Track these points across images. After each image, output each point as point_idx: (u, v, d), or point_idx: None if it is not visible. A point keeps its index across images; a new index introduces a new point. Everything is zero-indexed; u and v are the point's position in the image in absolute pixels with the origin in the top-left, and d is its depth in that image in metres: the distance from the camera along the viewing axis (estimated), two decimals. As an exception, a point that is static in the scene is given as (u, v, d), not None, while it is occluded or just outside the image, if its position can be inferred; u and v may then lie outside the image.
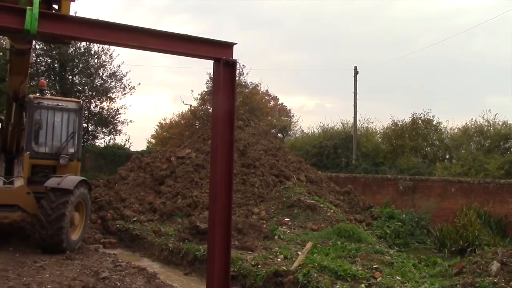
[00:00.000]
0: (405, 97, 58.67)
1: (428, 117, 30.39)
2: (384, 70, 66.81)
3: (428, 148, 30.79)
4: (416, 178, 22.11)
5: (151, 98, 70.57)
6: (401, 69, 60.11)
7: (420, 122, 30.46)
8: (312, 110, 66.38)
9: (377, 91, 59.05)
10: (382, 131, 33.04)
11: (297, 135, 40.58)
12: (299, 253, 10.41)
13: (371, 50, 68.28)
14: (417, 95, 56.01)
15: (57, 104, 12.26)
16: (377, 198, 21.84)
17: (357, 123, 32.20)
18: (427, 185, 21.32)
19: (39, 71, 30.70)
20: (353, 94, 32.72)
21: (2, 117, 12.34)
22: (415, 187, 21.52)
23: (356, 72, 33.00)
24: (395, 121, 31.34)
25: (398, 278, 8.63)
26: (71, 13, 5.42)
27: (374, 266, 9.36)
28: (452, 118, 47.61)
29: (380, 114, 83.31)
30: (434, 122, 30.29)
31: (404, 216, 18.52)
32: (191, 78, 73.74)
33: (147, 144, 42.21)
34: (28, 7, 3.78)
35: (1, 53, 27.61)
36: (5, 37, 20.21)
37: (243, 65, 36.94)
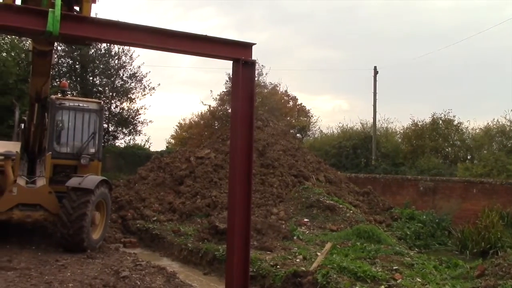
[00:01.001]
0: (427, 96, 57.89)
1: (448, 117, 30.08)
2: (409, 68, 65.57)
3: (449, 149, 30.46)
4: (436, 179, 21.86)
5: (171, 99, 71.00)
6: (423, 67, 59.16)
7: (440, 122, 30.14)
8: (345, 110, 65.55)
9: (405, 90, 58.34)
10: (402, 131, 32.78)
11: (316, 135, 40.47)
12: (318, 253, 10.36)
13: (401, 47, 66.98)
14: (438, 95, 55.42)
15: (78, 105, 12.41)
16: (397, 199, 21.64)
17: (376, 123, 31.98)
18: (448, 186, 21.06)
19: (61, 72, 31.10)
20: (375, 94, 32.54)
21: (25, 118, 12.53)
22: (435, 188, 21.27)
23: (375, 72, 32.77)
24: (415, 121, 31.08)
25: (419, 280, 8.53)
26: (92, 14, 5.49)
27: (394, 268, 9.27)
28: (473, 118, 46.93)
29: (407, 113, 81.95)
30: (455, 122, 29.97)
31: (424, 217, 18.32)
32: (211, 78, 73.94)
33: (167, 144, 42.47)
34: (50, 9, 3.83)
35: (24, 55, 28.06)
36: (28, 39, 20.52)
37: (262, 65, 36.96)
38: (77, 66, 31.71)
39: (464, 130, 29.89)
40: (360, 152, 30.92)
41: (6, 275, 7.93)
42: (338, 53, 73.62)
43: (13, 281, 7.53)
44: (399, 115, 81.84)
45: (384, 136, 32.53)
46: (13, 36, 26.86)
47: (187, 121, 42.05)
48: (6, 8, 4.03)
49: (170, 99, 71.04)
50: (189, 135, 39.27)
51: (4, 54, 30.19)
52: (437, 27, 64.80)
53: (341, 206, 15.96)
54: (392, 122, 34.66)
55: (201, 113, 39.34)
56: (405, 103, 57.49)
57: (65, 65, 31.60)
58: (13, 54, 29.88)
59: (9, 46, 30.23)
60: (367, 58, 70.58)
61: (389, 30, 70.02)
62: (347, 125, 35.15)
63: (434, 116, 30.25)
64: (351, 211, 15.84)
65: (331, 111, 63.18)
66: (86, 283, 7.81)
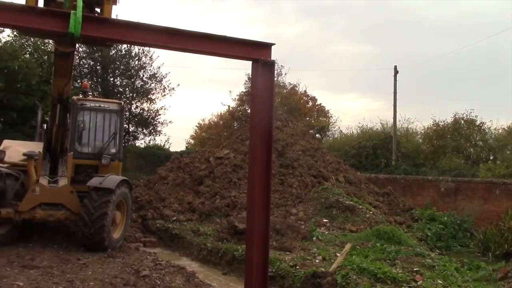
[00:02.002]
0: (448, 95, 56.94)
1: (470, 117, 29.68)
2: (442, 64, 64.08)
3: (471, 149, 30.03)
4: (458, 180, 21.55)
5: (190, 99, 71.28)
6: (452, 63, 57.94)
7: (462, 122, 29.75)
8: (376, 109, 64.59)
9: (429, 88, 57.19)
10: (422, 131, 32.45)
11: (335, 136, 40.30)
12: (338, 254, 10.32)
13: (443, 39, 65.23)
14: (460, 93, 54.54)
15: (99, 106, 12.54)
16: (418, 200, 21.41)
17: (397, 123, 31.71)
18: (470, 187, 20.75)
19: (82, 73, 31.48)
20: (395, 93, 32.28)
21: (47, 118, 12.71)
22: (457, 188, 20.99)
23: (396, 72, 32.50)
24: (436, 121, 30.74)
25: (440, 281, 8.44)
26: (113, 15, 5.54)
27: (414, 269, 9.18)
28: (496, 118, 46.12)
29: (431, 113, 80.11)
30: (477, 122, 29.55)
31: (446, 218, 18.08)
32: (231, 79, 73.72)
33: (186, 145, 42.69)
34: (72, 11, 3.88)
35: (47, 56, 28.47)
36: (50, 41, 20.83)
37: (281, 65, 36.93)
38: (98, 67, 32.06)
39: (487, 130, 29.48)
40: (380, 153, 30.69)
41: (29, 273, 8.05)
42: (371, 47, 71.94)
43: (36, 279, 7.64)
44: (437, 112, 79.71)
45: (404, 136, 32.23)
46: (36, 38, 27.29)
47: (206, 122, 42.23)
48: (29, 10, 4.10)
49: (190, 99, 71.37)
50: (208, 136, 39.41)
51: (27, 55, 30.65)
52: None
53: (360, 206, 15.86)
54: (412, 122, 34.34)
55: (220, 113, 39.47)
56: (435, 101, 56.21)
57: (86, 66, 31.99)
58: (36, 56, 30.36)
59: (32, 47, 30.71)
60: (403, 53, 68.60)
61: (427, 22, 67.95)
62: (366, 125, 34.96)
63: (456, 116, 29.90)
64: (371, 212, 15.73)
65: (366, 109, 61.98)
66: (107, 281, 7.89)
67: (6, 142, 12.54)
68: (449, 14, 66.14)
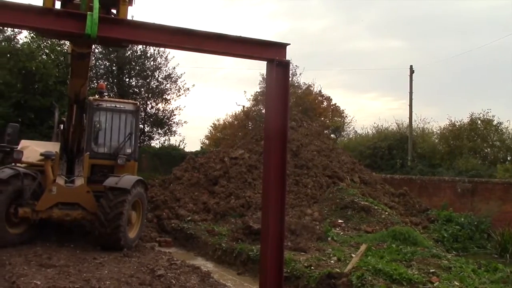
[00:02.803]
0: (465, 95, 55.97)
1: (487, 117, 29.35)
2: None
3: (488, 149, 29.72)
4: (475, 180, 21.34)
5: (206, 99, 71.43)
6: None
7: (479, 122, 29.44)
8: (399, 108, 63.36)
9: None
10: (439, 131, 32.19)
11: (350, 136, 40.15)
12: (353, 255, 10.26)
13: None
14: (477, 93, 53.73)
15: (115, 106, 12.63)
16: (434, 201, 21.23)
17: (412, 123, 31.49)
18: (487, 188, 20.53)
19: (98, 74, 31.74)
20: (410, 93, 32.05)
21: (64, 119, 12.83)
22: (474, 189, 20.77)
23: (411, 71, 32.27)
24: (453, 121, 30.47)
25: (456, 283, 8.35)
26: (128, 17, 5.58)
27: (430, 271, 9.10)
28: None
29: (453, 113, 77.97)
30: (494, 122, 29.22)
31: (462, 219, 17.89)
32: (246, 79, 73.47)
33: (201, 145, 42.82)
34: (88, 13, 3.91)
35: (63, 57, 28.73)
36: (67, 42, 21.02)
37: (296, 65, 36.90)
38: (114, 68, 32.30)
39: (504, 130, 29.15)
40: (395, 153, 30.50)
41: (46, 272, 8.13)
42: (400, 43, 70.19)
43: (53, 278, 7.72)
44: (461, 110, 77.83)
45: (420, 137, 31.99)
46: (53, 39, 27.56)
47: (221, 122, 42.34)
48: (46, 12, 4.14)
49: (205, 99, 71.52)
50: (223, 136, 39.51)
51: (44, 56, 30.98)
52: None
53: (376, 207, 15.77)
54: (428, 122, 34.09)
55: (235, 113, 39.54)
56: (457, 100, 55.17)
57: (102, 67, 32.24)
58: (52, 57, 30.67)
59: (49, 48, 31.02)
60: (432, 48, 66.70)
61: (459, 15, 66.15)
62: (382, 125, 34.77)
63: (472, 116, 29.60)
64: (387, 213, 15.63)
65: (387, 109, 60.80)
66: (123, 281, 7.94)
67: (23, 142, 12.68)
68: (482, 6, 64.38)
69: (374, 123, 50.25)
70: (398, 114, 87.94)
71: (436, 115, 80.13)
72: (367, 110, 63.01)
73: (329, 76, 67.05)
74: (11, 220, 10.08)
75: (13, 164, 11.20)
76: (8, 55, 31.07)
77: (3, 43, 32.46)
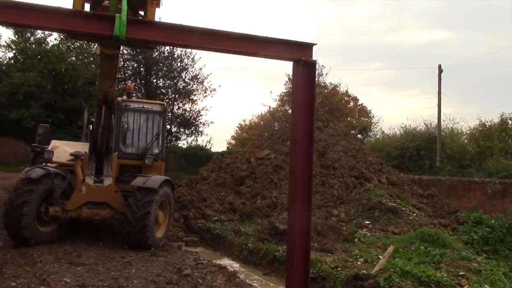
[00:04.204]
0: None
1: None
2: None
3: (520, 150, 29.07)
4: (506, 182, 20.87)
5: (232, 100, 71.66)
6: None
7: (510, 122, 28.83)
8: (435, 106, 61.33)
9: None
10: (468, 131, 31.63)
11: (377, 136, 39.79)
12: (380, 257, 10.16)
13: None
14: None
15: (143, 107, 12.76)
16: (463, 202, 20.86)
17: (441, 123, 31.00)
18: (519, 189, 20.10)
19: (126, 75, 32.19)
20: (439, 93, 31.57)
21: (93, 119, 13.02)
22: (505, 191, 20.32)
23: (440, 71, 31.78)
24: (483, 121, 29.89)
25: (487, 286, 8.19)
26: (156, 18, 5.63)
27: (460, 273, 8.94)
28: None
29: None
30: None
31: (493, 221, 17.50)
32: (274, 78, 73.03)
33: (227, 145, 43.02)
34: (117, 15, 3.96)
35: (92, 59, 29.19)
36: (95, 43, 21.34)
37: (322, 65, 36.78)
38: (141, 69, 32.70)
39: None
40: (423, 154, 30.08)
41: (75, 270, 8.27)
42: (447, 34, 67.08)
43: (82, 276, 7.84)
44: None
45: (449, 137, 31.49)
46: (82, 41, 28.03)
47: (247, 122, 42.43)
48: (76, 15, 4.21)
49: (232, 99, 71.75)
50: (249, 136, 39.60)
51: (74, 58, 31.52)
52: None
53: (404, 208, 15.58)
54: (457, 122, 33.56)
55: (261, 114, 39.58)
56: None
57: (130, 68, 32.69)
58: (81, 58, 31.19)
59: (78, 50, 31.55)
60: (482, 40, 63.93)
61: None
62: (410, 126, 34.34)
63: (503, 116, 28.99)
64: (415, 214, 15.43)
65: (425, 107, 58.36)
66: (150, 280, 8.02)
67: (54, 143, 12.91)
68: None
69: (402, 123, 49.66)
70: (434, 114, 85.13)
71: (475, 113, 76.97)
72: (403, 109, 61.23)
73: (368, 72, 65.63)
74: (42, 219, 10.26)
75: (43, 164, 11.40)
76: (39, 57, 31.80)
77: (33, 46, 33.20)
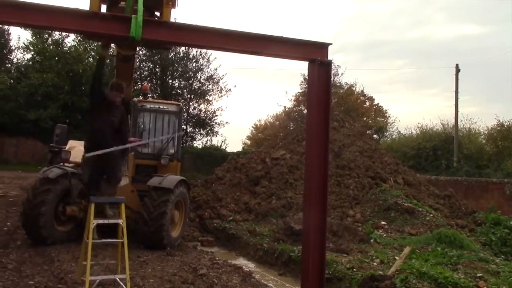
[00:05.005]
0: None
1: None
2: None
3: (539, 151, 28.65)
4: (525, 182, 20.63)
5: (247, 100, 71.70)
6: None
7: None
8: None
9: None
10: (486, 132, 31.27)
11: (393, 136, 39.53)
12: (397, 258, 10.10)
13: None
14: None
15: (159, 107, 12.83)
16: (481, 203, 20.63)
17: (458, 123, 30.69)
18: (538, 190, 19.83)
19: (142, 75, 32.40)
20: (456, 92, 31.26)
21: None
22: (524, 192, 20.08)
23: (457, 70, 31.47)
24: (501, 121, 29.53)
25: (505, 288, 8.09)
26: (171, 19, 5.66)
27: (478, 275, 8.84)
28: None
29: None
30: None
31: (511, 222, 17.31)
32: (288, 78, 72.79)
33: (243, 145, 43.08)
34: (133, 16, 3.99)
35: (108, 60, 29.40)
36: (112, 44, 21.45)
37: (337, 65, 36.68)
38: (157, 70, 32.90)
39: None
40: (440, 154, 29.81)
41: (92, 269, 8.34)
42: (477, 28, 65.05)
43: (99, 275, 7.90)
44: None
45: (467, 137, 31.15)
46: (99, 42, 28.21)
47: (262, 122, 42.45)
48: (92, 16, 4.25)
49: (247, 99, 71.80)
50: (264, 136, 39.61)
51: (91, 59, 31.78)
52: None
53: (420, 209, 15.44)
54: (475, 122, 33.21)
55: (276, 114, 39.56)
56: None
57: (146, 68, 32.92)
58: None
59: (95, 51, 31.79)
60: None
61: None
62: (426, 126, 34.05)
63: (522, 116, 28.64)
64: (431, 215, 15.28)
65: (447, 106, 56.41)
66: (166, 279, 8.06)
67: (71, 143, 13.04)
68: None
69: (418, 123, 49.20)
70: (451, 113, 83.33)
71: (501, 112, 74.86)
72: (425, 107, 59.74)
73: (389, 70, 64.40)
74: (59, 218, 10.36)
75: (61, 163, 11.52)
76: (56, 58, 32.17)
77: (51, 47, 33.59)
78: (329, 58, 4.50)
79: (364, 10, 70.90)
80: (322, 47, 4.50)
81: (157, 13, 5.74)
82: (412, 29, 66.90)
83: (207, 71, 33.69)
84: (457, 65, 31.63)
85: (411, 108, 68.16)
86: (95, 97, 7.69)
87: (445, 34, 63.08)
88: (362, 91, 40.12)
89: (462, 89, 60.68)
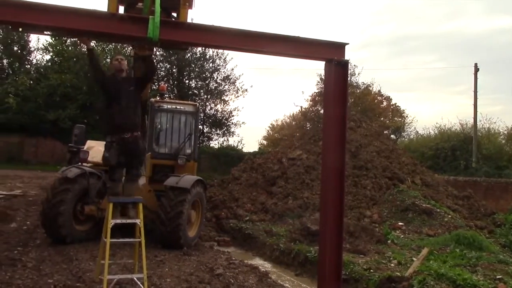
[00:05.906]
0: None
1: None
2: None
3: (560, 150, 28.20)
4: (545, 183, 20.31)
5: (264, 100, 71.67)
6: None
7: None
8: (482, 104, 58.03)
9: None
10: (506, 131, 30.83)
11: (411, 137, 39.20)
12: (414, 259, 10.01)
13: None
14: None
15: (176, 107, 12.88)
16: (501, 204, 20.34)
17: (477, 123, 30.31)
18: (559, 191, 19.49)
19: (159, 76, 32.55)
20: (475, 92, 30.91)
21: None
22: (544, 192, 19.75)
23: (476, 69, 31.09)
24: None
25: (525, 291, 7.97)
26: (188, 19, 5.69)
27: (497, 277, 8.72)
28: None
29: None
30: None
31: (532, 224, 17.04)
32: (304, 79, 72.45)
33: (259, 146, 43.08)
34: (150, 16, 4.01)
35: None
36: (129, 45, 21.65)
37: (354, 65, 36.51)
38: (174, 70, 33.05)
39: None
40: (459, 154, 29.46)
41: (110, 268, 8.40)
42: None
43: (117, 274, 7.97)
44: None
45: (486, 137, 30.75)
46: (116, 43, 28.50)
47: (279, 123, 42.41)
48: (110, 17, 4.29)
49: (264, 99, 71.75)
50: (280, 136, 39.57)
51: (108, 59, 32.04)
52: None
53: (438, 210, 15.29)
54: (494, 122, 32.77)
55: (293, 114, 39.50)
56: None
57: (163, 69, 33.08)
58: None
59: (112, 52, 32.08)
60: None
61: None
62: (445, 126, 33.70)
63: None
64: (450, 216, 15.12)
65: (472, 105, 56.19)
66: (182, 278, 8.10)
67: (89, 143, 13.16)
68: None
69: (436, 123, 48.71)
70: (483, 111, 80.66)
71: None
72: (451, 106, 58.18)
73: (416, 66, 62.73)
74: (78, 218, 10.47)
75: (79, 163, 11.63)
76: (75, 59, 32.52)
77: (70, 48, 33.97)
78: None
79: (395, 1, 69.17)
80: (339, 47, 4.48)
81: (174, 14, 5.77)
82: (446, 22, 64.91)
83: (224, 72, 33.79)
84: (475, 64, 31.27)
85: (433, 107, 66.95)
86: (104, 84, 7.47)
87: (480, 26, 60.79)
88: (379, 90, 39.91)
89: (492, 87, 59.17)
